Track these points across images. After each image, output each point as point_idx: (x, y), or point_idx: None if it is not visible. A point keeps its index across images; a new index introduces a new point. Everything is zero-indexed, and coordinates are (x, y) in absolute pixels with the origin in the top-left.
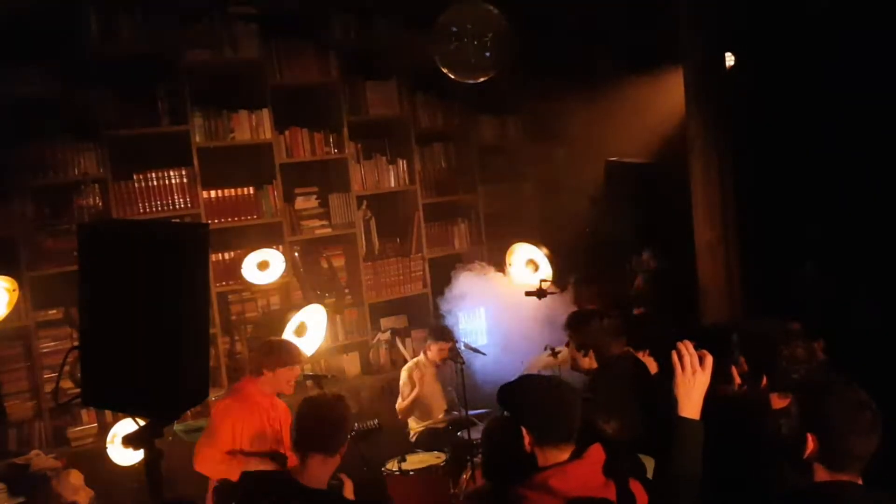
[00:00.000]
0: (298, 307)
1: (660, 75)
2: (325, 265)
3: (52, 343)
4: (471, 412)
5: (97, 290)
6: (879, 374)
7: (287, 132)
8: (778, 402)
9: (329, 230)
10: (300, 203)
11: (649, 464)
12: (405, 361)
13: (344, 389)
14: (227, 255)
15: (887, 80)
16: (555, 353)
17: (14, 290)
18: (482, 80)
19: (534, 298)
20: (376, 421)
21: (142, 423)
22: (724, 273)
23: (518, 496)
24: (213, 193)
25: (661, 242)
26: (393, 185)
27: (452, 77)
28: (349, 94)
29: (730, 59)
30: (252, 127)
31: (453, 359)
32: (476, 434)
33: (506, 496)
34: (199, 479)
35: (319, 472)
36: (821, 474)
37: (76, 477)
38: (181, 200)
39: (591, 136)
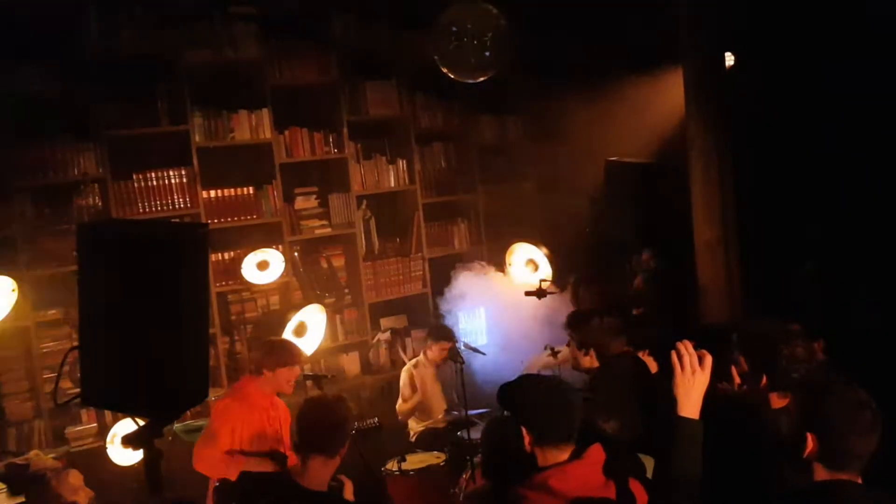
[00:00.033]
0: (298, 307)
1: (660, 75)
2: (324, 265)
3: (52, 343)
4: (471, 412)
5: (96, 291)
6: (879, 374)
7: (287, 132)
8: (777, 401)
9: (329, 230)
10: (300, 203)
11: (649, 463)
12: (405, 363)
13: (344, 389)
14: (226, 255)
15: (887, 80)
16: (554, 353)
17: (14, 290)
18: (482, 79)
19: (533, 298)
20: (376, 420)
21: (141, 423)
22: (723, 273)
23: (518, 496)
24: (212, 193)
25: (660, 242)
26: (393, 184)
27: (452, 77)
28: (349, 93)
29: (729, 59)
30: (252, 127)
31: (453, 359)
32: (476, 434)
33: (505, 496)
34: (199, 479)
35: (320, 473)
36: (820, 473)
37: (76, 477)
38: (181, 200)
39: (591, 136)
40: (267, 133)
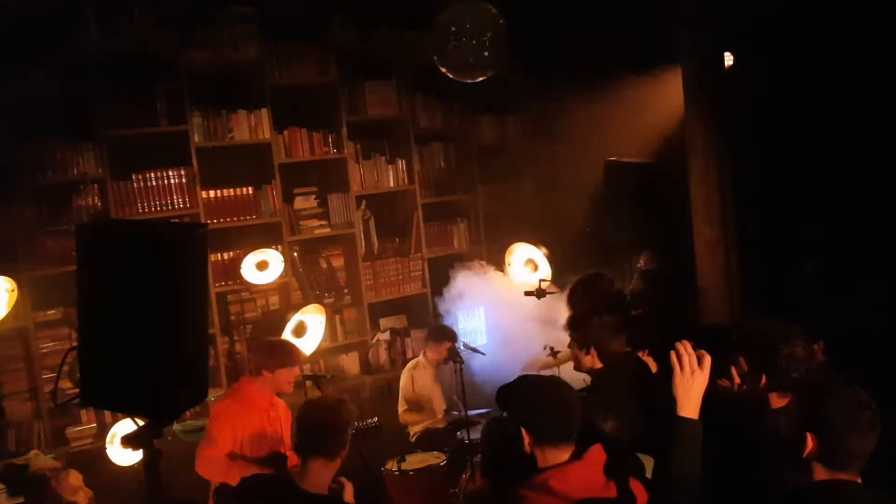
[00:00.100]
0: (298, 307)
1: (659, 75)
2: (324, 265)
3: (51, 343)
4: (470, 412)
5: (96, 291)
6: (879, 374)
7: (286, 132)
8: (777, 401)
9: (328, 230)
10: (299, 203)
11: (648, 463)
12: (405, 362)
13: (343, 389)
14: (226, 255)
15: (887, 80)
16: (554, 354)
17: (13, 291)
18: (481, 79)
19: (533, 298)
20: (376, 420)
21: (141, 423)
22: (723, 273)
23: (518, 497)
24: (212, 193)
25: (660, 242)
26: (392, 184)
27: (451, 77)
28: (348, 94)
29: (729, 60)
30: (251, 127)
31: (452, 358)
32: (476, 434)
33: (505, 496)
34: (200, 479)
35: (320, 476)
36: (820, 473)
37: (75, 477)
38: (180, 200)
39: (591, 136)
40: (266, 133)
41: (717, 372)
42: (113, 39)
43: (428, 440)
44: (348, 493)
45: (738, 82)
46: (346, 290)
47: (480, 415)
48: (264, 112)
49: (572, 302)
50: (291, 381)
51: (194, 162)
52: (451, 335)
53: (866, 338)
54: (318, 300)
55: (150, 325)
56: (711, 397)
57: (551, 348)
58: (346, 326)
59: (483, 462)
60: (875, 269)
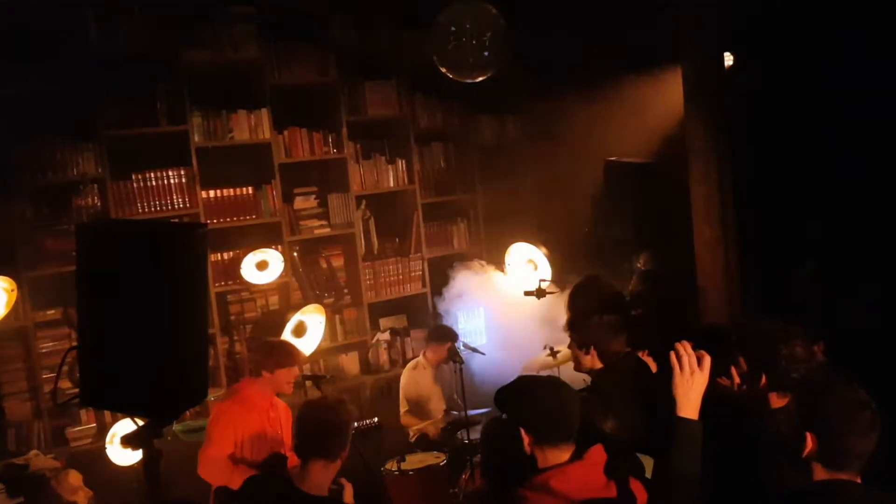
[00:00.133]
0: (297, 307)
1: (659, 75)
2: (324, 265)
3: (51, 343)
4: (470, 412)
5: (96, 290)
6: (879, 375)
7: (286, 132)
8: (777, 401)
9: (328, 230)
10: (299, 203)
11: (648, 463)
12: (405, 361)
13: (343, 389)
14: (226, 255)
15: (887, 80)
16: (553, 353)
17: (12, 291)
18: (481, 79)
19: (532, 298)
20: (376, 420)
21: (140, 423)
22: (723, 273)
23: (518, 497)
24: (211, 193)
25: (660, 242)
26: (392, 184)
27: (451, 77)
28: (348, 94)
29: (729, 60)
30: (251, 127)
31: (452, 358)
32: (475, 434)
33: (505, 497)
34: (200, 479)
35: (320, 477)
36: (820, 473)
37: (75, 477)
38: (180, 200)
39: (591, 136)
40: (266, 133)
41: (717, 372)
42: (113, 39)
43: (427, 440)
44: (348, 494)
45: (738, 82)
46: (345, 290)
47: (480, 414)
48: (264, 112)
49: (572, 303)
50: (291, 382)
51: (194, 162)
52: (451, 335)
53: (866, 338)
54: (318, 300)
55: (150, 325)
56: (711, 397)
57: (551, 348)
58: (345, 326)
59: (483, 462)
60: (875, 269)
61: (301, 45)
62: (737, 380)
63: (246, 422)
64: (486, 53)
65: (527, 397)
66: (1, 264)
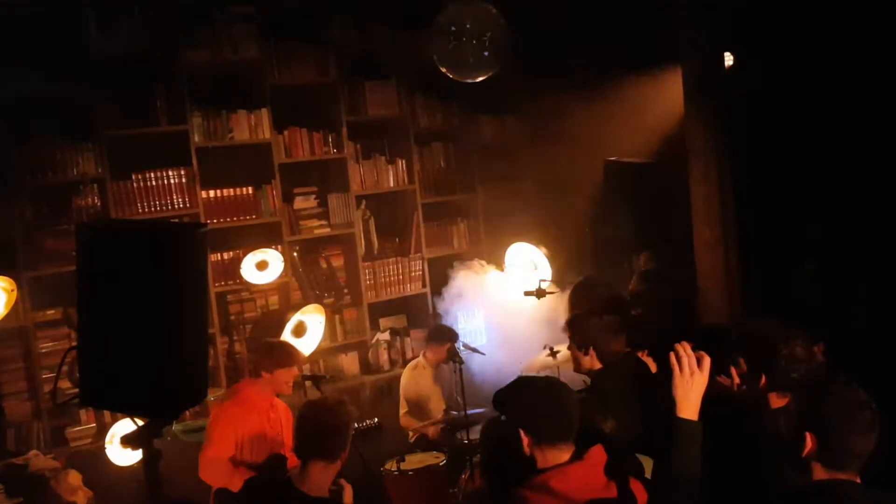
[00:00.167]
0: (297, 307)
1: (660, 75)
2: (324, 265)
3: (51, 343)
4: (470, 412)
5: (95, 290)
6: (879, 375)
7: (286, 132)
8: (777, 401)
9: (328, 230)
10: (299, 203)
11: (647, 464)
12: (405, 361)
13: (343, 389)
14: (225, 255)
15: (887, 80)
16: (553, 354)
17: (12, 290)
18: (481, 79)
19: (532, 298)
20: (376, 420)
21: (140, 423)
22: (723, 273)
23: (518, 497)
24: (211, 193)
25: (660, 242)
26: (392, 184)
27: (451, 76)
28: (348, 93)
29: (729, 60)
30: (251, 127)
31: (452, 358)
32: (475, 434)
33: (505, 497)
34: (200, 480)
35: (321, 478)
36: (819, 473)
37: (74, 477)
38: (180, 200)
39: (591, 136)
40: (266, 133)
41: (717, 372)
42: (113, 39)
43: (427, 440)
44: (347, 495)
45: (738, 82)
46: (345, 290)
47: (480, 414)
48: (264, 112)
49: (571, 304)
50: (290, 382)
51: (194, 162)
52: (451, 335)
53: (866, 338)
54: (318, 300)
55: (150, 325)
56: (711, 397)
57: (551, 348)
58: (345, 326)
59: (482, 462)
60: (875, 269)
61: (301, 45)
62: (736, 380)
63: (246, 423)
64: (486, 53)
65: (524, 398)
66: (1, 264)
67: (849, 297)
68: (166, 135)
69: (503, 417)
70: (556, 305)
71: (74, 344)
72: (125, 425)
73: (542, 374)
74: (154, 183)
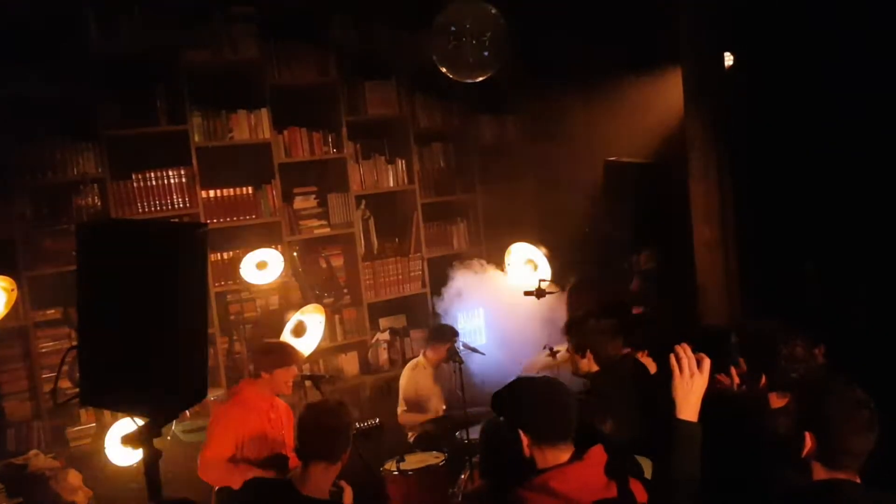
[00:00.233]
0: (297, 307)
1: (659, 75)
2: (323, 265)
3: (51, 343)
4: (469, 411)
5: (95, 290)
6: (879, 375)
7: (286, 132)
8: (776, 401)
9: (328, 230)
10: (299, 203)
11: (646, 465)
12: (405, 361)
13: (343, 389)
14: (225, 255)
15: (887, 80)
16: (553, 354)
17: (12, 290)
18: (481, 79)
19: (532, 298)
20: (376, 420)
21: (140, 422)
22: (723, 273)
23: (518, 497)
24: (211, 193)
25: (660, 242)
26: (392, 184)
27: (451, 76)
28: (348, 93)
29: (729, 59)
30: (251, 127)
31: (452, 358)
32: (475, 434)
33: (505, 497)
34: (200, 480)
35: (321, 480)
36: (819, 473)
37: (74, 477)
38: (180, 200)
39: (591, 136)
40: (266, 133)
41: (717, 370)
42: (113, 39)
43: (427, 440)
44: (347, 496)
45: (738, 82)
46: (345, 290)
47: (480, 414)
48: (264, 112)
49: (567, 307)
50: (289, 382)
51: (194, 162)
52: (451, 335)
53: (866, 338)
54: (318, 300)
55: (149, 325)
56: (711, 398)
57: (551, 348)
58: (345, 326)
59: (482, 462)
60: (875, 269)
61: (301, 45)
62: (736, 380)
63: (246, 423)
64: (486, 53)
65: (522, 398)
66: (1, 264)
67: (849, 297)
68: (166, 135)
69: (501, 419)
70: (556, 305)
71: (74, 344)
72: (125, 425)
73: (541, 374)
74: (154, 183)
